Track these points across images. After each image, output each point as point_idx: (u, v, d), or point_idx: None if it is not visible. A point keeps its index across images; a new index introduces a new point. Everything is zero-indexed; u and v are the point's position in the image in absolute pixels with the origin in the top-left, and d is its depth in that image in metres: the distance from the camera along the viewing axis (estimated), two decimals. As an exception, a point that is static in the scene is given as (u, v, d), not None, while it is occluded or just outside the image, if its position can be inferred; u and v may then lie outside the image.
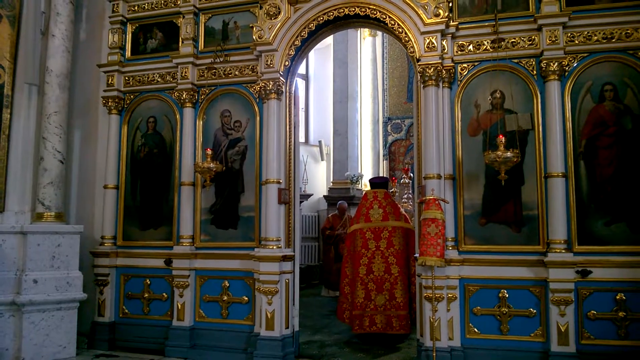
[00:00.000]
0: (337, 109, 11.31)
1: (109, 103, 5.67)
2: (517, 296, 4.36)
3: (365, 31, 11.72)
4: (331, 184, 11.29)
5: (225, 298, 5.13)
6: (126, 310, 5.51)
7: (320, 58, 12.43)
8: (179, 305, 5.18)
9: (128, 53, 5.78)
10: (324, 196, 11.09)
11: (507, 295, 4.38)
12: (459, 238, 4.52)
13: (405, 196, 8.83)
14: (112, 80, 5.69)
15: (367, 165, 11.69)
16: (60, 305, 4.90)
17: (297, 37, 4.95)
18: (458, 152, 4.59)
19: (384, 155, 11.86)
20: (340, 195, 10.62)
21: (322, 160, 12.23)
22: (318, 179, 12.05)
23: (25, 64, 5.14)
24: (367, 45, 11.93)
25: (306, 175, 10.99)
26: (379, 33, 11.77)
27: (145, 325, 5.39)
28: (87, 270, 5.36)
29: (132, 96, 5.72)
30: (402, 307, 5.45)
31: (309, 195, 10.87)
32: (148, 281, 5.44)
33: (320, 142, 12.24)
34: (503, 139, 4.04)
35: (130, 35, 5.79)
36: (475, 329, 4.44)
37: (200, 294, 5.21)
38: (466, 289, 4.46)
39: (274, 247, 4.84)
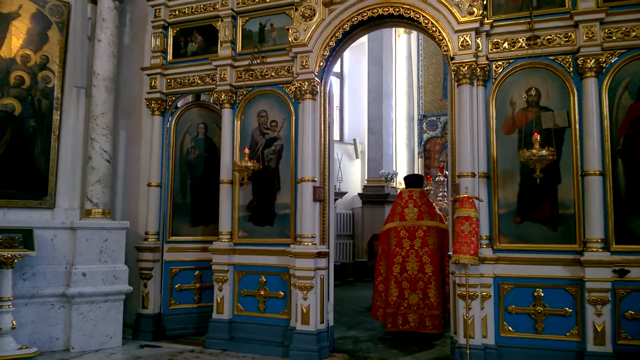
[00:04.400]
0: (372, 107, 11.33)
1: (152, 104, 5.90)
2: (553, 295, 4.32)
3: (400, 28, 11.69)
4: (366, 181, 11.33)
5: (262, 293, 5.26)
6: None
7: (355, 56, 12.46)
8: (219, 299, 5.35)
9: (170, 56, 5.99)
10: (359, 194, 11.16)
11: (542, 294, 4.34)
12: (494, 236, 4.51)
13: (440, 194, 8.79)
14: (154, 82, 5.92)
15: (402, 163, 11.68)
16: (107, 297, 5.16)
17: (331, 38, 5.04)
18: (493, 151, 4.57)
19: (419, 153, 11.83)
20: (375, 193, 10.66)
21: (357, 158, 12.29)
22: (353, 176, 12.11)
23: (74, 68, 5.43)
24: (402, 42, 11.91)
25: (341, 173, 11.06)
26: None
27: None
28: (132, 265, 5.60)
29: (173, 97, 5.95)
30: (436, 307, 5.45)
31: (344, 193, 10.94)
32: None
33: (354, 140, 12.30)
34: (538, 137, 4.03)
35: (171, 39, 5.99)
36: (510, 328, 4.42)
37: (239, 289, 5.36)
38: (500, 287, 4.45)
39: (309, 243, 4.95)
